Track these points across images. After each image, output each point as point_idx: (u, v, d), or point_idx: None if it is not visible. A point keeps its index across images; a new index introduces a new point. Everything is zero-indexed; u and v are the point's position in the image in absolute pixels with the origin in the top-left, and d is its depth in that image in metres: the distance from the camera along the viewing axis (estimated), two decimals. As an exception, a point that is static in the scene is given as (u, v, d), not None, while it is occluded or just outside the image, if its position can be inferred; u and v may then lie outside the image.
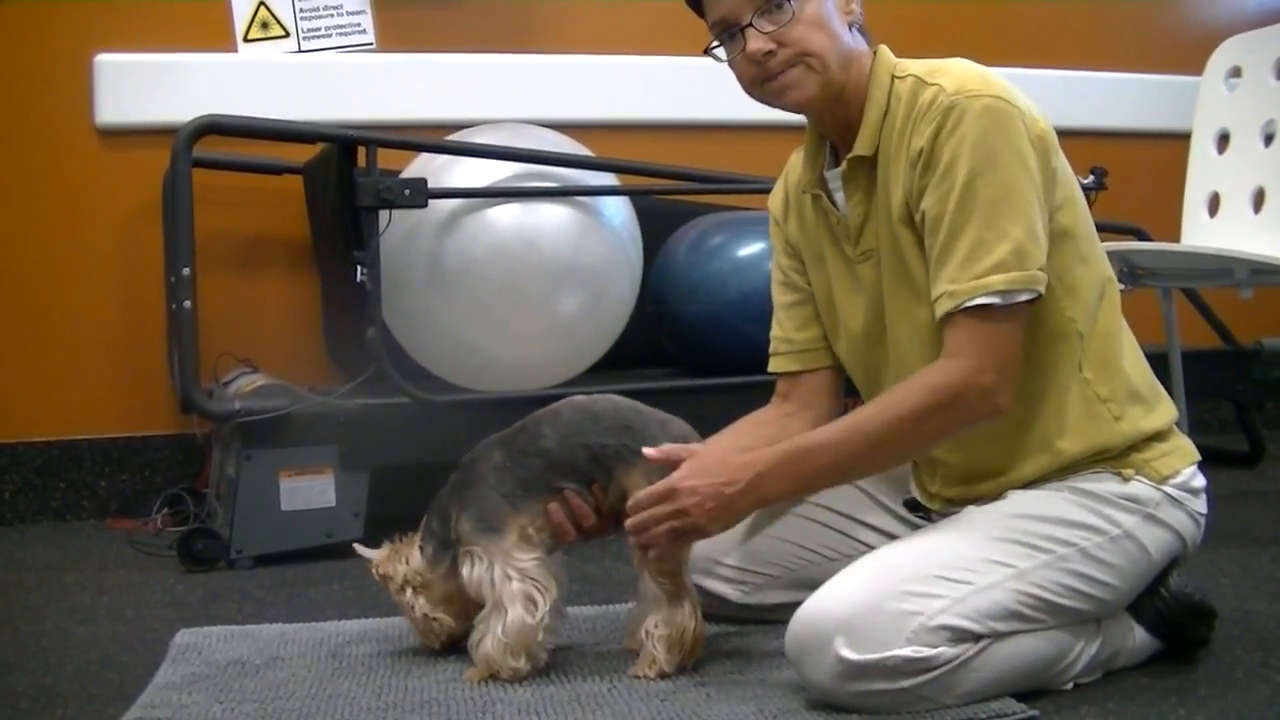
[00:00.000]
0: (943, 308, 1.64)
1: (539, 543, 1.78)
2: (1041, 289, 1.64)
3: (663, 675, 1.74)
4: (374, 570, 1.87)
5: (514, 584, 1.74)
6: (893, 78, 1.74)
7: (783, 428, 1.93)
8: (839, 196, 1.81)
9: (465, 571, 1.77)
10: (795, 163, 1.92)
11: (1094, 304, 1.73)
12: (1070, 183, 1.74)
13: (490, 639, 1.74)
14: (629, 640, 1.84)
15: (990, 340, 1.63)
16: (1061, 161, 1.72)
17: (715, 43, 1.76)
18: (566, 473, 1.77)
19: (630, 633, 1.83)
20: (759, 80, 1.73)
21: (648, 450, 1.73)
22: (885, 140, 1.73)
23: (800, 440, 1.71)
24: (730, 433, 1.93)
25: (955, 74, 1.68)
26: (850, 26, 1.75)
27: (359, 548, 1.91)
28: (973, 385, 1.62)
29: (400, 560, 1.86)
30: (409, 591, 1.84)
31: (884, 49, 1.78)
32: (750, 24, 1.70)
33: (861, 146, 1.74)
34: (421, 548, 1.84)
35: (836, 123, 1.79)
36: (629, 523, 1.72)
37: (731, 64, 1.75)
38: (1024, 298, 1.62)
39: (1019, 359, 1.65)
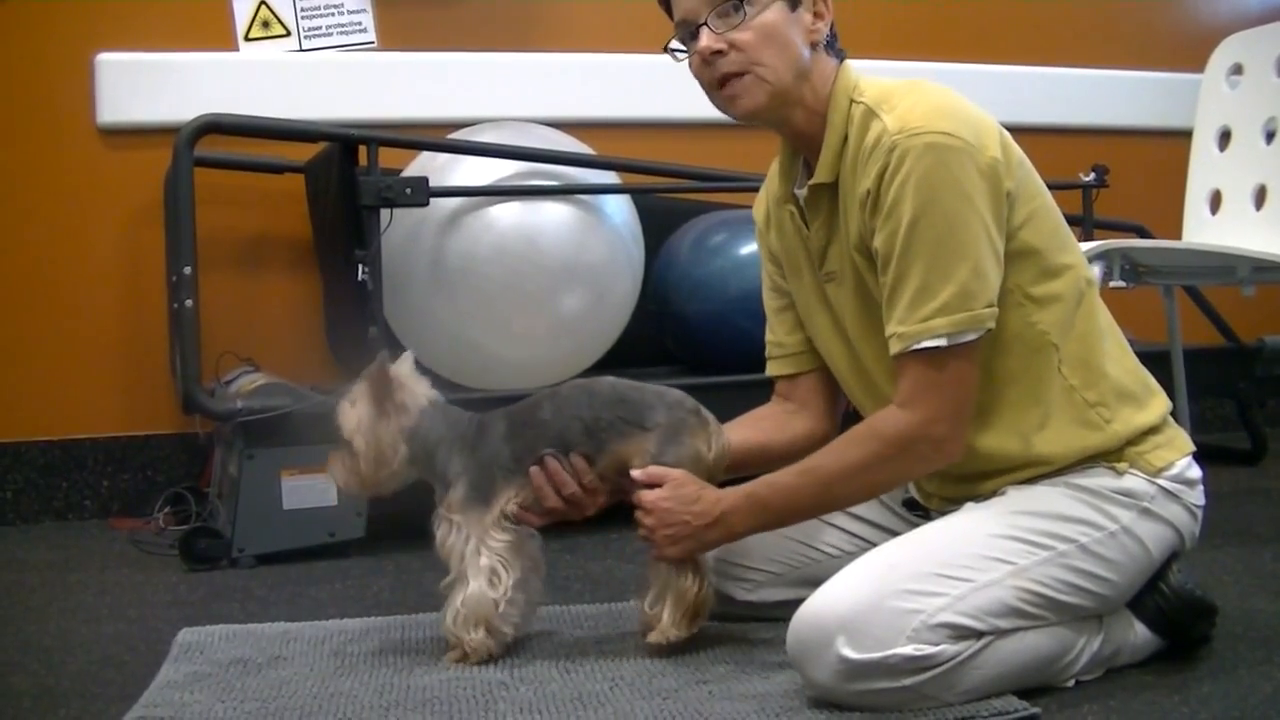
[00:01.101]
0: (893, 348, 1.67)
1: (515, 526, 1.83)
2: (989, 325, 1.64)
3: (671, 641, 1.80)
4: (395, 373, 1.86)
5: (482, 559, 1.80)
6: (850, 101, 1.74)
7: (783, 424, 1.95)
8: (807, 215, 1.82)
9: (440, 534, 1.83)
10: (773, 173, 1.92)
11: (1070, 312, 1.73)
12: (1035, 196, 1.73)
13: (451, 611, 1.81)
14: (650, 632, 1.87)
15: (941, 388, 1.65)
16: (1022, 180, 1.70)
17: (676, 41, 1.78)
18: (556, 443, 1.83)
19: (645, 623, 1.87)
20: (711, 84, 1.75)
21: (635, 471, 1.79)
22: (843, 168, 1.74)
23: (763, 483, 1.77)
24: (732, 427, 1.93)
25: (901, 108, 1.67)
26: (814, 45, 1.74)
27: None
28: (924, 437, 1.66)
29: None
30: (392, 414, 1.84)
31: (846, 67, 1.78)
32: (705, 22, 1.72)
33: (822, 174, 1.75)
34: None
35: (799, 136, 1.79)
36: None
37: (690, 65, 1.77)
38: (970, 337, 1.64)
39: (972, 398, 1.68)
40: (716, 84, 1.74)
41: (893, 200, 1.64)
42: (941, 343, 1.63)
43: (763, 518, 1.77)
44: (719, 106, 1.77)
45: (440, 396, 1.89)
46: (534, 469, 1.82)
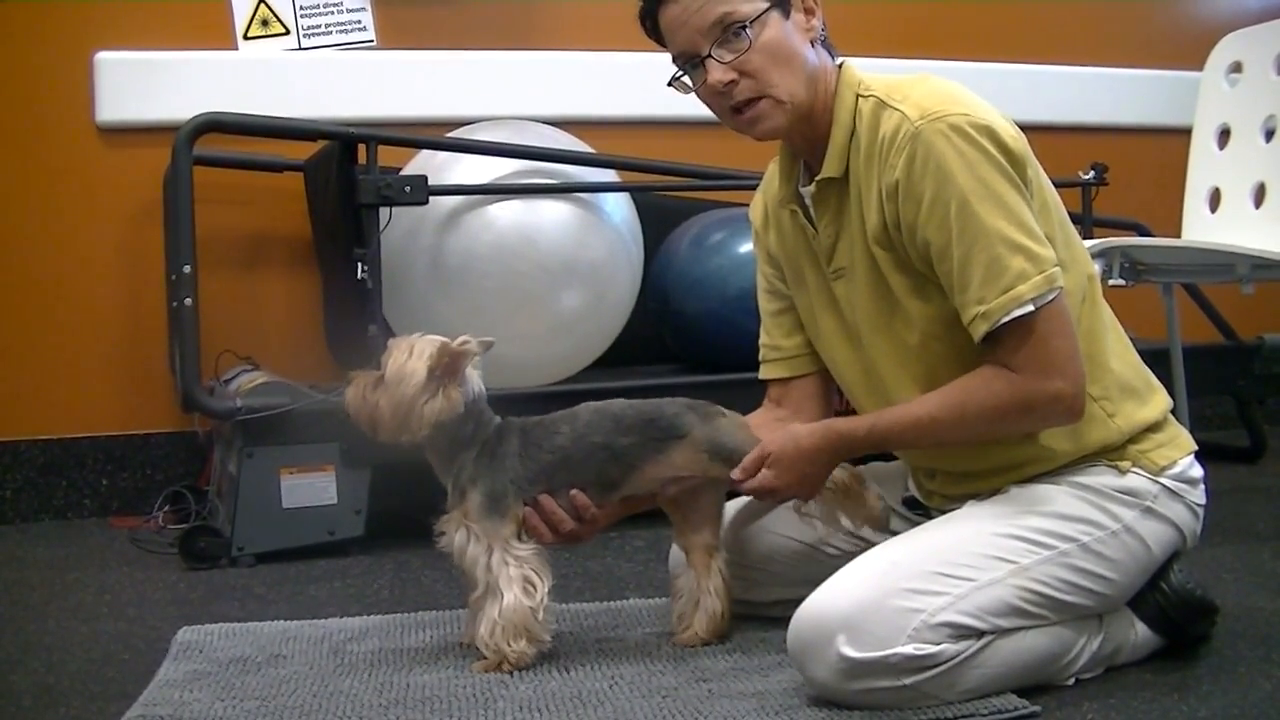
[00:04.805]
0: (979, 330, 1.64)
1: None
2: (1062, 282, 1.64)
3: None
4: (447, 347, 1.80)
5: (511, 569, 1.77)
6: (857, 96, 1.73)
7: (774, 431, 1.94)
8: (814, 213, 1.81)
9: (459, 540, 1.79)
10: (773, 174, 1.91)
11: (1075, 307, 1.73)
12: (1044, 190, 1.73)
13: (486, 624, 1.77)
14: (681, 634, 1.89)
15: (1042, 348, 1.63)
16: (1034, 171, 1.71)
17: (680, 73, 1.75)
18: (578, 470, 1.81)
19: (683, 623, 1.89)
20: (728, 112, 1.73)
21: (735, 473, 1.78)
22: (854, 161, 1.73)
23: (873, 427, 1.73)
24: None
25: (916, 96, 1.67)
26: (812, 43, 1.74)
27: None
28: (1041, 394, 1.64)
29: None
30: (440, 395, 1.79)
31: (849, 65, 1.77)
32: (709, 55, 1.70)
33: (830, 168, 1.74)
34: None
35: (804, 140, 1.78)
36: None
37: (698, 94, 1.75)
38: (1052, 296, 1.63)
39: (1077, 351, 1.65)
40: (731, 111, 1.73)
41: (935, 187, 1.63)
42: (1029, 309, 1.61)
43: (875, 448, 1.77)
44: (736, 130, 1.76)
45: (484, 393, 1.84)
46: (528, 510, 1.80)
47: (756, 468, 1.76)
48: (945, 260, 1.65)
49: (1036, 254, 1.62)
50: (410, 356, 1.79)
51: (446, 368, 1.79)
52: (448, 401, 1.78)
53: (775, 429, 1.93)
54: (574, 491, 1.81)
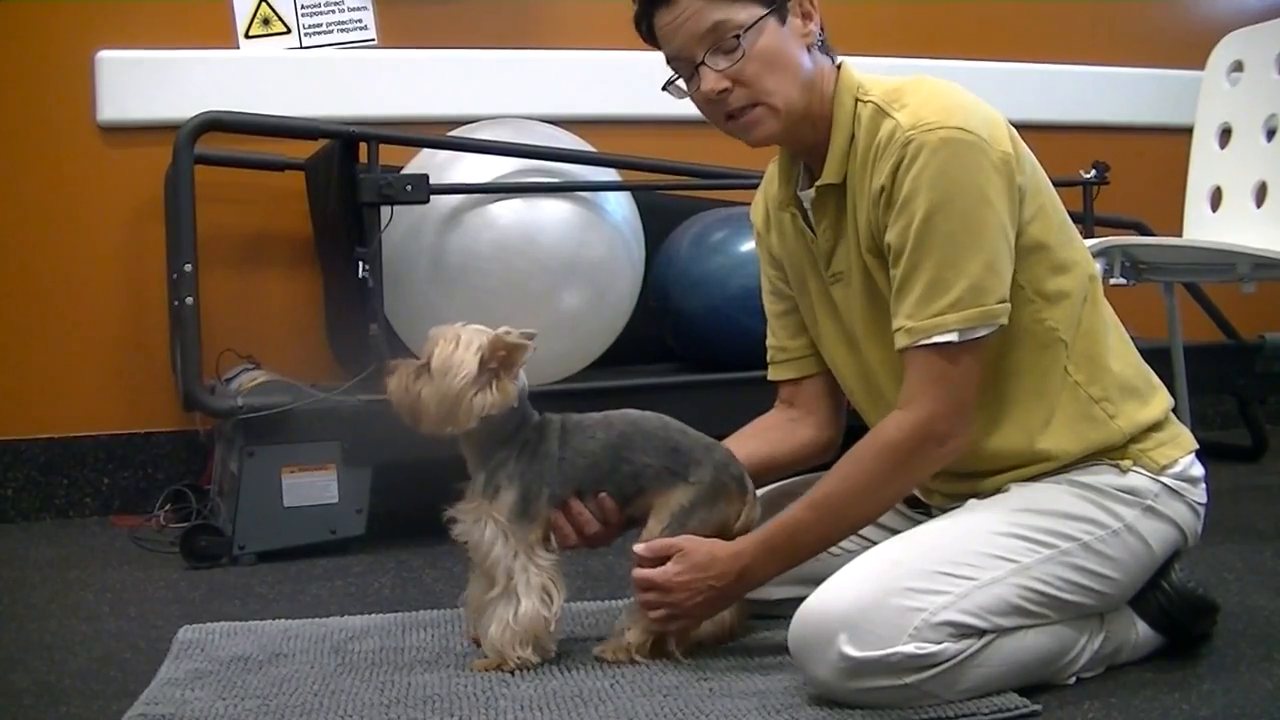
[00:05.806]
0: (900, 342, 1.65)
1: (555, 544, 1.81)
2: (1002, 320, 1.64)
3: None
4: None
5: (532, 575, 1.77)
6: (856, 100, 1.72)
7: (788, 433, 1.95)
8: (813, 218, 1.81)
9: (486, 535, 1.77)
10: (772, 175, 1.90)
11: (1076, 308, 1.73)
12: (1041, 191, 1.72)
13: (498, 625, 1.76)
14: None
15: (946, 383, 1.63)
16: (1031, 175, 1.70)
17: (675, 76, 1.74)
18: (603, 479, 1.80)
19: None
20: (721, 118, 1.72)
21: (637, 546, 1.76)
22: (851, 167, 1.72)
23: (778, 527, 1.72)
24: (737, 439, 1.93)
25: (913, 104, 1.66)
26: (809, 48, 1.73)
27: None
28: (929, 436, 1.64)
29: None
30: (492, 389, 1.76)
31: (847, 67, 1.76)
32: (703, 62, 1.69)
33: (829, 174, 1.74)
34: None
35: (803, 144, 1.78)
36: (639, 590, 1.77)
37: (693, 100, 1.74)
38: (982, 333, 1.63)
39: (975, 396, 1.66)
40: (725, 118, 1.72)
41: (907, 194, 1.63)
42: (953, 338, 1.61)
43: (785, 560, 1.73)
44: (732, 134, 1.75)
45: (528, 387, 1.82)
46: (555, 513, 1.79)
47: (663, 556, 1.73)
48: (896, 265, 1.66)
49: (982, 286, 1.61)
50: (458, 347, 1.76)
51: (502, 360, 1.77)
52: (501, 395, 1.76)
53: (788, 431, 1.95)
54: (602, 495, 1.80)
